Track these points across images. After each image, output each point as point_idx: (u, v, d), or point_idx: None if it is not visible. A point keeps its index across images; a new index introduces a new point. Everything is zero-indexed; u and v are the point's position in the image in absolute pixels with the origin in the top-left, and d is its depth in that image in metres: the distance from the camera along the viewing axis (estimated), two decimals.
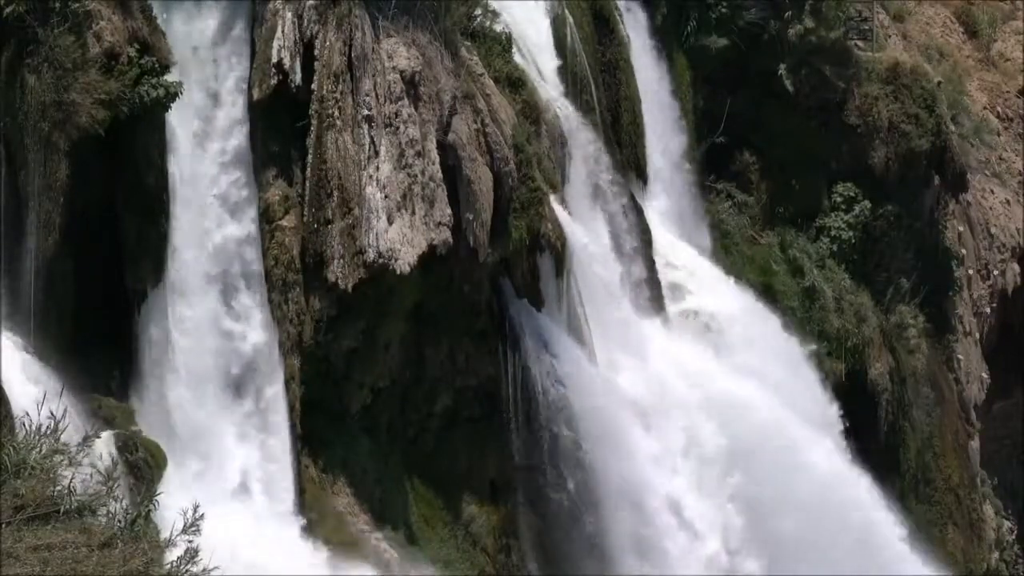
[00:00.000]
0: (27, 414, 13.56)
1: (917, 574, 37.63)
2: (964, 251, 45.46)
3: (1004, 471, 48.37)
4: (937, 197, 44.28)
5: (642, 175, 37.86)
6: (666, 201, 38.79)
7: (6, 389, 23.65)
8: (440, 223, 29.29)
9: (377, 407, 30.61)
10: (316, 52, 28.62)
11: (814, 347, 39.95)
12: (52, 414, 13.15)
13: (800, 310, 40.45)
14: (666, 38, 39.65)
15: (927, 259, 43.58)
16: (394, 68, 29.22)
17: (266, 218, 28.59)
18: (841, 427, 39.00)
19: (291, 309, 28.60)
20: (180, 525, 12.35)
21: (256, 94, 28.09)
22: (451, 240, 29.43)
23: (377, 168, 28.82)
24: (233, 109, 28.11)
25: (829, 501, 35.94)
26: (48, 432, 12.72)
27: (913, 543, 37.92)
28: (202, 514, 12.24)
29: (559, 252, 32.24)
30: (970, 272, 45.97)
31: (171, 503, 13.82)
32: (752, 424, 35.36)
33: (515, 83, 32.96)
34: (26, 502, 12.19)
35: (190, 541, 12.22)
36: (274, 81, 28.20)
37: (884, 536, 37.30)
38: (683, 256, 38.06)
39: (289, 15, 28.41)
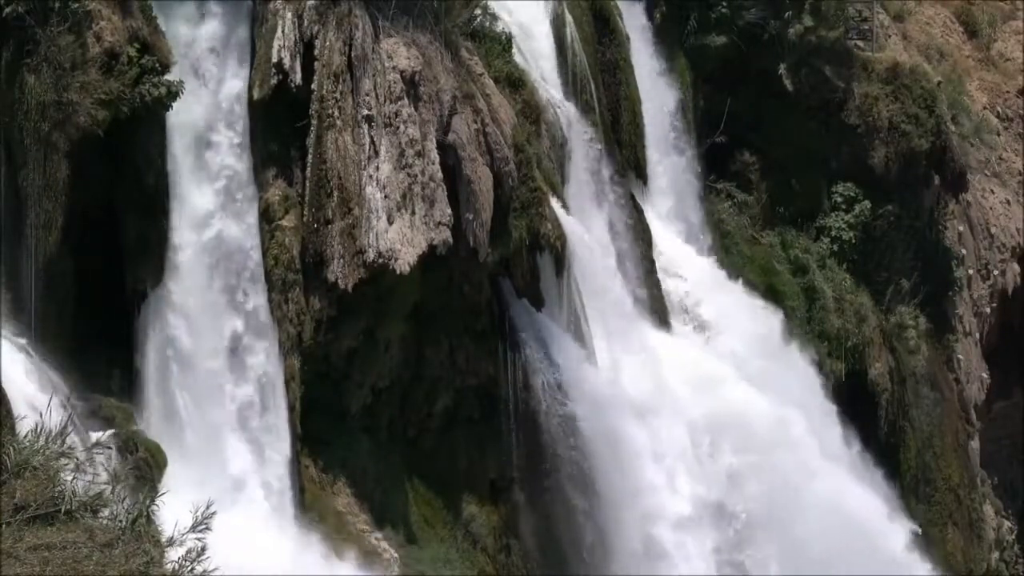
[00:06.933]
0: (40, 414, 13.54)
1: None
2: (964, 251, 45.46)
3: (1004, 471, 48.39)
4: (937, 197, 44.29)
5: (642, 175, 37.84)
6: (666, 201, 38.77)
7: (6, 389, 23.62)
8: (440, 223, 29.26)
9: (377, 407, 30.59)
10: (316, 52, 28.59)
11: (814, 348, 39.96)
12: (61, 418, 13.12)
13: (800, 310, 40.43)
14: (666, 38, 39.66)
15: (927, 259, 43.58)
16: (394, 68, 29.19)
17: (266, 218, 28.55)
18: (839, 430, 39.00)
19: (291, 309, 28.57)
20: (182, 524, 12.32)
21: (256, 94, 28.05)
22: (451, 240, 29.40)
23: (377, 168, 28.79)
24: (233, 109, 28.06)
25: (836, 506, 35.94)
26: (55, 436, 12.69)
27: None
28: (213, 512, 12.21)
29: (559, 252, 32.22)
30: (970, 272, 45.97)
31: (171, 503, 13.77)
32: (753, 423, 35.36)
33: (515, 83, 32.94)
34: (27, 502, 12.17)
35: (198, 539, 12.18)
36: (274, 81, 28.16)
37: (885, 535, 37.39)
38: (683, 256, 38.04)
39: (289, 15, 28.37)
